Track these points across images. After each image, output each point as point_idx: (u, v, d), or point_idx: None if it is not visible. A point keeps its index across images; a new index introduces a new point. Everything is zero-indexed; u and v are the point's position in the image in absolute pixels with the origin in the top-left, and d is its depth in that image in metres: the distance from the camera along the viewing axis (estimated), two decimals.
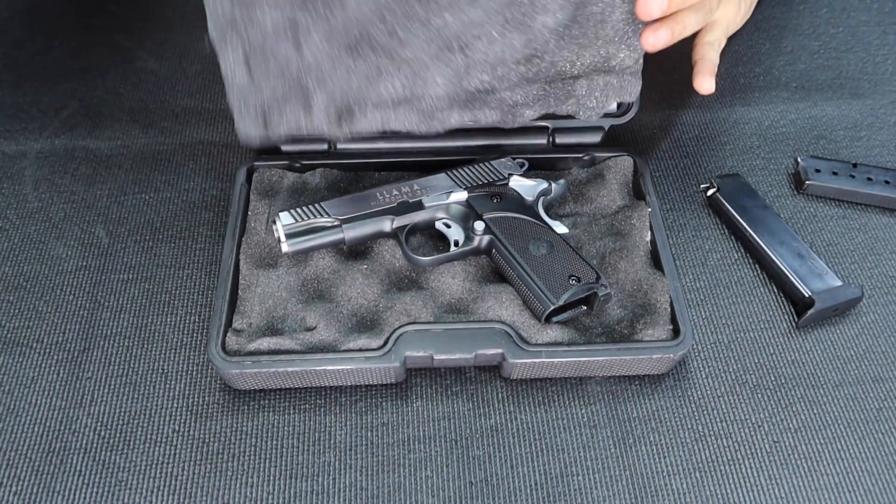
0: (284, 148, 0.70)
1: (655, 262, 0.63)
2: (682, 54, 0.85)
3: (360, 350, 0.57)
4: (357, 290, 0.61)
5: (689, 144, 0.76)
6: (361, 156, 0.70)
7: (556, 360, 0.56)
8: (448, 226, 0.64)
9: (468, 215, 0.63)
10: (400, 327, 0.58)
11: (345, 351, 0.57)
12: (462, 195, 0.64)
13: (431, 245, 0.65)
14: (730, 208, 0.68)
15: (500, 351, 0.56)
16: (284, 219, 0.61)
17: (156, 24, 0.88)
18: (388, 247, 0.63)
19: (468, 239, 0.62)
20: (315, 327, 0.59)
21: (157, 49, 0.85)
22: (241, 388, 0.58)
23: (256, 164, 0.69)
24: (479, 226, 0.61)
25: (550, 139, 0.70)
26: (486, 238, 0.61)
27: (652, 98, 0.81)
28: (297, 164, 0.69)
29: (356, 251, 0.64)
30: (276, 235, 0.61)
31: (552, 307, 0.57)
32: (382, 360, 0.56)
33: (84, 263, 0.66)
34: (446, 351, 0.57)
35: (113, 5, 0.90)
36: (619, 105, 0.70)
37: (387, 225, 0.62)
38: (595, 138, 0.70)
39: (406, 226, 0.63)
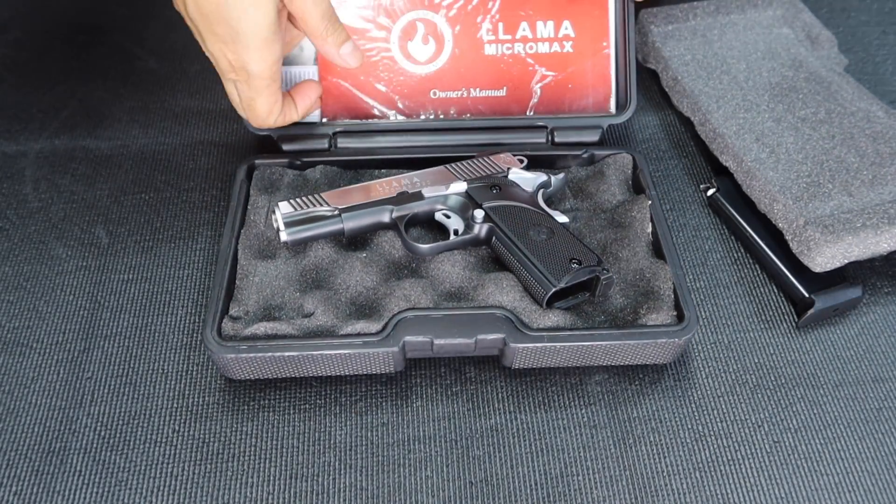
0: (285, 147, 0.70)
1: (657, 253, 0.62)
2: None
3: (358, 335, 0.56)
4: (356, 279, 0.60)
5: (689, 144, 0.76)
6: (361, 154, 0.70)
7: (558, 344, 0.55)
8: (448, 216, 0.64)
9: (467, 206, 0.63)
10: (399, 312, 0.57)
11: (343, 336, 0.56)
12: (461, 186, 0.64)
13: (431, 237, 0.65)
14: (730, 208, 0.68)
15: (501, 336, 0.56)
16: (284, 208, 0.61)
17: (156, 24, 0.88)
18: (388, 237, 0.63)
19: (468, 228, 0.62)
20: (313, 313, 0.58)
21: (157, 49, 0.85)
22: (237, 378, 0.58)
23: (257, 161, 0.68)
24: (478, 214, 0.61)
25: (549, 137, 0.70)
26: (486, 226, 0.61)
27: (652, 98, 0.81)
28: (298, 163, 0.69)
29: (355, 241, 0.64)
30: (275, 225, 0.61)
31: (553, 289, 0.56)
32: (381, 345, 0.55)
33: (84, 263, 0.66)
34: (446, 336, 0.56)
35: (113, 5, 0.90)
36: (616, 104, 0.71)
37: (386, 215, 0.62)
38: (594, 137, 0.70)
39: (405, 215, 0.62)
